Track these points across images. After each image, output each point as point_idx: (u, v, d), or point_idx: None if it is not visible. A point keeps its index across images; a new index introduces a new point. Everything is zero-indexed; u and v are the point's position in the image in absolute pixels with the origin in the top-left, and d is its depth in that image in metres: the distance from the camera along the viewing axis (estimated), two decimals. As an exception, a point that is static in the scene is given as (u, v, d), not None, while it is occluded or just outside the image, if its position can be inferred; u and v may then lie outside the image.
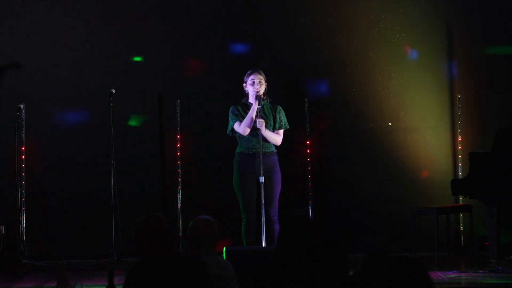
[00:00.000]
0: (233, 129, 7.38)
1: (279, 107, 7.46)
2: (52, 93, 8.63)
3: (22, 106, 8.25)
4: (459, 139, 8.48)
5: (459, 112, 8.49)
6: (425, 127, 8.57)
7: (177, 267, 3.20)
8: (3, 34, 8.66)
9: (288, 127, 7.47)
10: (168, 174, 8.59)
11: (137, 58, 8.70)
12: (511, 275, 6.89)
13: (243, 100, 7.43)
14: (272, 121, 7.40)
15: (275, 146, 7.40)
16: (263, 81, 7.34)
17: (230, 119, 7.41)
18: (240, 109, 7.39)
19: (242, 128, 7.28)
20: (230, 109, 7.43)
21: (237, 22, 8.68)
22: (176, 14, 8.71)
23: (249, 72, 7.38)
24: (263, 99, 7.37)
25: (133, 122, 8.65)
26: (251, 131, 7.26)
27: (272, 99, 7.51)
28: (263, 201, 7.08)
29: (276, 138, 7.37)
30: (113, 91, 8.15)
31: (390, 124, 8.60)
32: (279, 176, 7.35)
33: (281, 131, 7.42)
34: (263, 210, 7.08)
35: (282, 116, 7.44)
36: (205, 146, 8.62)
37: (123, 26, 8.69)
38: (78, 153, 8.60)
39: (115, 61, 8.65)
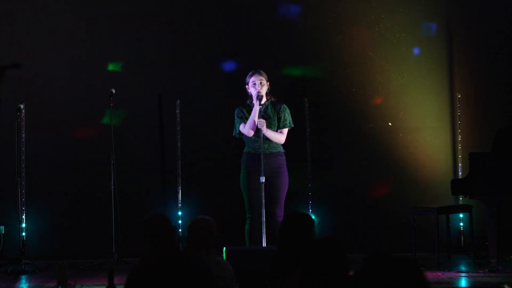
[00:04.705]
0: (240, 131, 7.40)
1: (283, 106, 7.46)
2: (52, 93, 8.63)
3: (22, 106, 8.25)
4: (459, 139, 8.48)
5: (459, 112, 8.49)
6: (425, 127, 8.57)
7: (179, 267, 3.20)
8: (3, 34, 8.67)
9: (292, 125, 7.47)
10: (168, 174, 8.60)
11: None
12: (511, 275, 6.89)
13: (248, 102, 7.43)
14: (276, 121, 7.39)
15: (283, 146, 7.41)
16: (264, 81, 7.34)
17: (235, 121, 7.43)
18: (245, 111, 7.40)
19: (246, 130, 7.30)
20: (235, 111, 7.45)
21: (237, 22, 8.68)
22: (177, 14, 8.71)
23: (250, 73, 7.38)
24: (267, 99, 7.38)
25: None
26: (255, 132, 7.26)
27: (276, 98, 7.51)
28: (264, 201, 7.08)
29: (279, 137, 7.36)
30: (113, 91, 8.15)
31: (390, 124, 8.60)
32: (286, 176, 7.35)
33: (285, 130, 7.41)
34: (263, 210, 7.07)
35: (286, 115, 7.43)
36: (205, 146, 8.62)
37: (123, 26, 8.69)
38: (78, 153, 8.60)
39: (115, 61, 8.65)
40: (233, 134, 7.48)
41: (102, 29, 8.69)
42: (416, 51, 8.63)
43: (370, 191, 8.55)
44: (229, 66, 8.63)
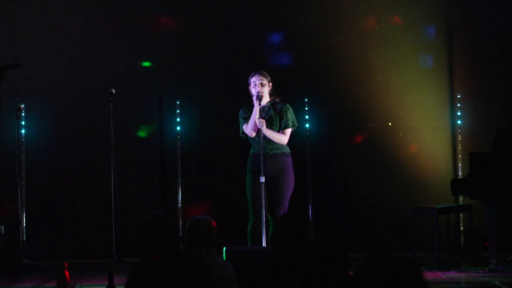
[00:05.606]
0: (244, 132, 7.39)
1: (286, 106, 7.41)
2: (52, 93, 8.63)
3: (22, 106, 8.25)
4: (459, 139, 8.48)
5: (459, 112, 8.49)
6: (425, 127, 8.57)
7: (179, 267, 3.20)
8: (3, 34, 8.67)
9: (296, 125, 7.43)
10: (168, 174, 8.60)
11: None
12: (511, 275, 6.89)
13: (252, 103, 7.42)
14: (278, 122, 7.37)
15: (289, 147, 7.39)
16: (264, 82, 7.32)
17: (240, 122, 7.42)
18: (248, 112, 7.39)
19: (248, 131, 7.29)
20: (239, 112, 7.44)
21: (237, 22, 8.68)
22: (177, 14, 8.71)
23: (251, 74, 7.37)
24: (270, 99, 7.37)
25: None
26: (257, 133, 7.25)
27: (281, 98, 7.48)
28: (264, 201, 7.08)
29: (281, 138, 7.33)
30: (113, 91, 8.14)
31: (390, 124, 8.60)
32: (291, 177, 7.31)
33: (287, 131, 7.37)
34: (263, 210, 7.07)
35: (289, 115, 7.39)
36: (205, 146, 8.61)
37: (123, 26, 8.69)
38: (78, 153, 8.60)
39: (115, 61, 8.66)
40: (240, 135, 7.47)
41: (102, 29, 8.69)
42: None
43: (370, 191, 8.54)
44: (230, 66, 8.63)
